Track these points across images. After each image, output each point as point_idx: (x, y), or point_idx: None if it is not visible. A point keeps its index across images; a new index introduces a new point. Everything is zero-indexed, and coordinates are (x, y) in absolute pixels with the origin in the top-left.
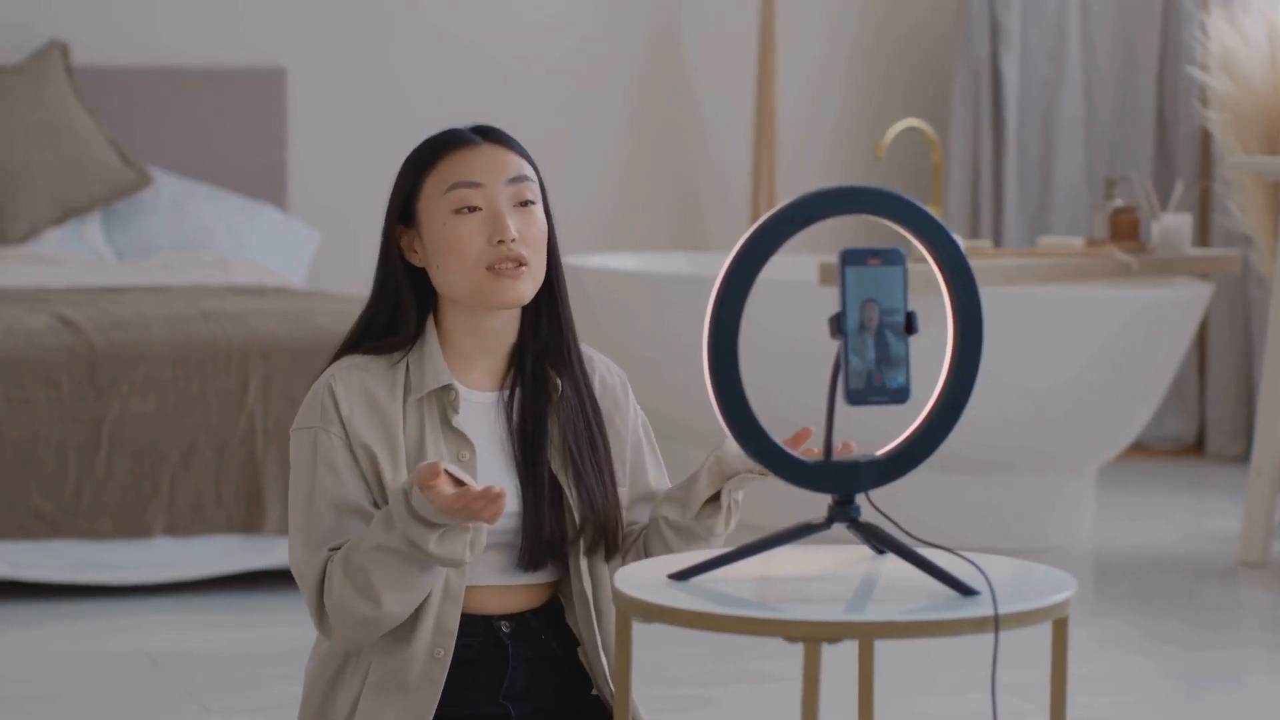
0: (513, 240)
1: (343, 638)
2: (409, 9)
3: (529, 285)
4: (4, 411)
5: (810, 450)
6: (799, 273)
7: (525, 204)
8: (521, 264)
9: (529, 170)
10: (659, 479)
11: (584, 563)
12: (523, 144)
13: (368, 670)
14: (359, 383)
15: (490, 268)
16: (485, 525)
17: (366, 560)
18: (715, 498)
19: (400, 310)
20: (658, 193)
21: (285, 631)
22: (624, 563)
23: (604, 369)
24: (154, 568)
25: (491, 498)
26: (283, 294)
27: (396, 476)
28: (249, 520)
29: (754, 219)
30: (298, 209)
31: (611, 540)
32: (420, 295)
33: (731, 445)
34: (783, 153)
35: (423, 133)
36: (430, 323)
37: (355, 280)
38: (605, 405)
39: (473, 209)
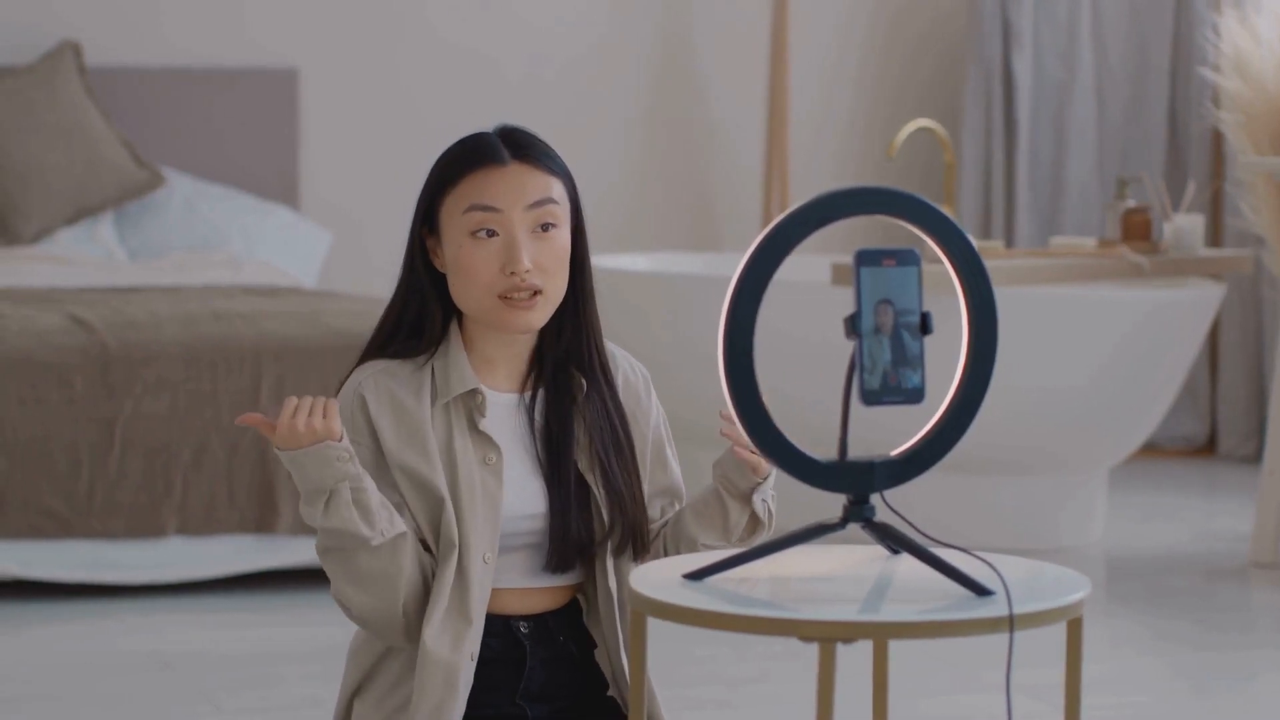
0: (526, 271)
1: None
2: (421, 11)
3: (540, 314)
4: (17, 411)
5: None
6: (811, 273)
7: (545, 228)
8: (535, 293)
9: (556, 190)
10: (676, 474)
11: (610, 563)
12: (555, 154)
13: (393, 675)
14: (387, 390)
15: (502, 296)
16: (351, 483)
17: (324, 564)
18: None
19: (426, 312)
20: (670, 194)
21: (298, 632)
22: (644, 561)
23: (627, 367)
24: (166, 567)
25: (302, 401)
26: (295, 294)
27: (433, 478)
28: (261, 520)
29: (766, 220)
30: (310, 209)
31: (640, 540)
32: (444, 298)
33: (727, 459)
34: (794, 154)
35: (435, 133)
36: (454, 326)
37: (367, 281)
38: (628, 404)
39: (490, 233)
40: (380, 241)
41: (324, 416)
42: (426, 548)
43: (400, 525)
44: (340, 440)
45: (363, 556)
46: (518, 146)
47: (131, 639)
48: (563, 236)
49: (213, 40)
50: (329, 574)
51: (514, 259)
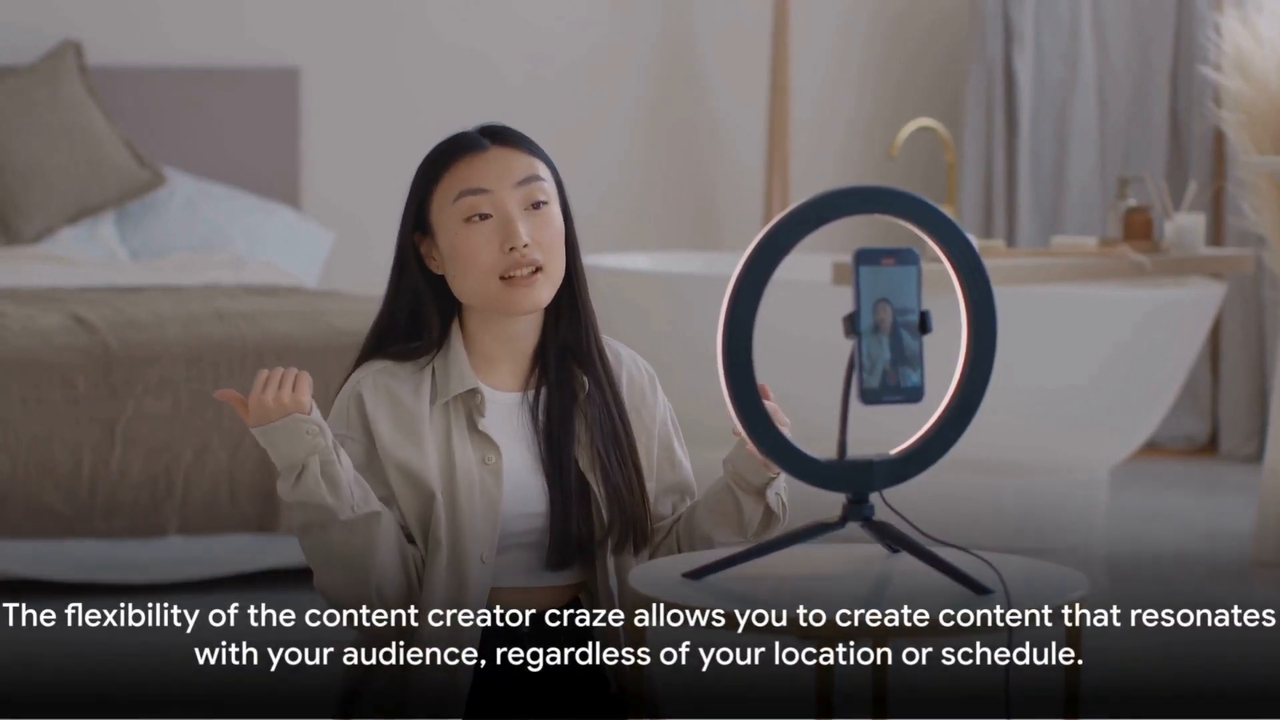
0: (525, 246)
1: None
2: (422, 10)
3: (545, 289)
4: (19, 411)
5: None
6: (812, 272)
7: (537, 205)
8: (537, 269)
9: (540, 169)
10: (686, 470)
11: (611, 561)
12: (535, 141)
13: (391, 675)
14: (385, 388)
15: (504, 276)
16: (320, 456)
17: (302, 547)
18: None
19: (421, 316)
20: (671, 193)
21: (299, 631)
22: (652, 558)
23: (632, 365)
24: (168, 567)
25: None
26: (297, 294)
27: (425, 473)
28: (263, 519)
29: (767, 219)
30: (312, 209)
31: (640, 537)
32: (442, 300)
33: (738, 455)
34: (796, 153)
35: (436, 133)
36: (455, 326)
37: (369, 280)
38: (632, 401)
39: (483, 216)
40: (382, 241)
41: (294, 390)
42: (414, 542)
43: (375, 505)
44: (309, 413)
45: (334, 532)
46: (495, 134)
47: (133, 638)
48: (555, 213)
49: (214, 40)
50: (307, 557)
51: (511, 234)
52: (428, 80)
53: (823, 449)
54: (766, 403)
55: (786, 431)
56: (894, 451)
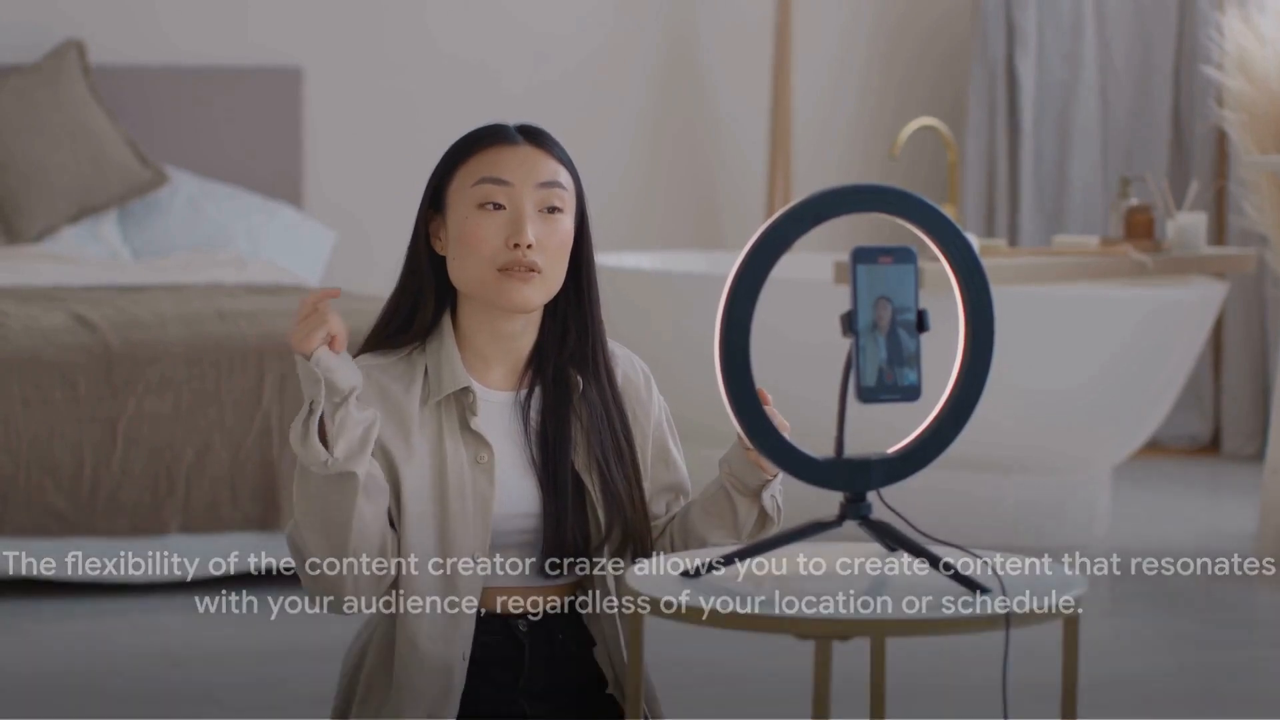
0: (528, 246)
1: (311, 595)
2: (425, 11)
3: (537, 293)
4: (21, 411)
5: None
6: (814, 271)
7: (552, 210)
8: (533, 270)
9: (564, 177)
10: (681, 469)
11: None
12: (567, 151)
13: (389, 675)
14: (377, 383)
15: (502, 269)
16: (349, 417)
17: (294, 505)
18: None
19: (422, 298)
20: (674, 193)
21: (301, 630)
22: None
23: (627, 364)
24: (169, 566)
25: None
26: (298, 293)
27: (412, 475)
28: (264, 518)
29: (769, 218)
30: (314, 208)
31: (640, 544)
32: (440, 285)
33: (735, 456)
34: (798, 152)
35: (438, 133)
36: (448, 323)
37: (371, 280)
38: (629, 402)
39: (497, 206)
40: (384, 240)
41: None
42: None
43: (363, 467)
44: (310, 359)
45: (314, 481)
46: (530, 133)
47: (135, 637)
48: (567, 223)
49: (217, 39)
50: (296, 515)
51: (519, 231)
52: (430, 81)
53: (821, 448)
54: (765, 407)
55: (785, 434)
56: (891, 450)
